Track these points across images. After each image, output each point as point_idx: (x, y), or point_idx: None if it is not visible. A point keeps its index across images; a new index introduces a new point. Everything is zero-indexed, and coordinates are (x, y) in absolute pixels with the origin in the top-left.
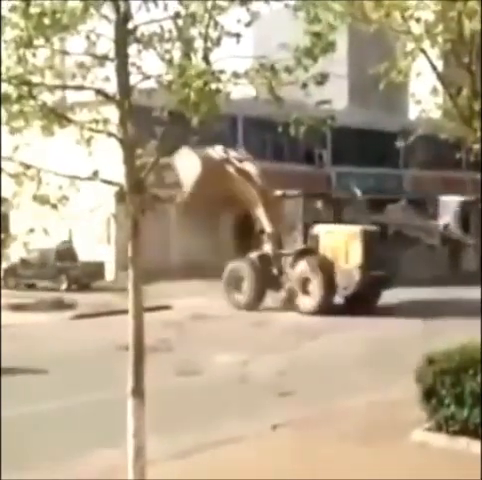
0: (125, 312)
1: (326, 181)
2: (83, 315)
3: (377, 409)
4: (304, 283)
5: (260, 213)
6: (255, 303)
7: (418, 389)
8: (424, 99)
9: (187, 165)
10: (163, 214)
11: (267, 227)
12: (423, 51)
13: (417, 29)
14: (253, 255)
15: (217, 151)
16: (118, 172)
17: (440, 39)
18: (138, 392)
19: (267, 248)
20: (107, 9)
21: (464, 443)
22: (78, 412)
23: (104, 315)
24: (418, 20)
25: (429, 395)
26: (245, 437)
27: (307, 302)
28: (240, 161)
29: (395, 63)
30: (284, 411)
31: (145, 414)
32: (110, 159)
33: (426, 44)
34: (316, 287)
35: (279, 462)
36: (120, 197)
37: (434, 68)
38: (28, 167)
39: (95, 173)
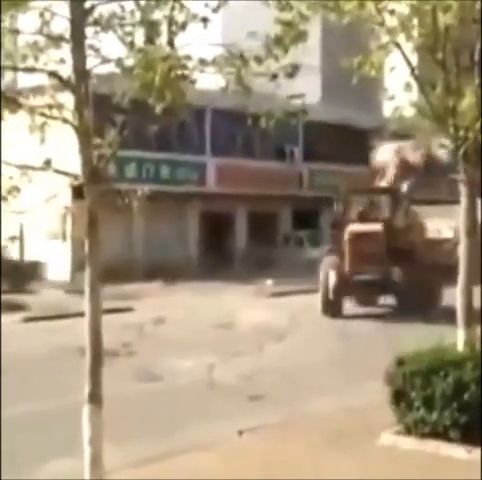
0: (82, 314)
1: (298, 178)
2: (35, 318)
3: None
4: None
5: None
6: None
7: (388, 391)
8: (397, 95)
9: None
10: (127, 211)
11: None
12: (397, 45)
13: (391, 22)
14: None
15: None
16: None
17: (415, 33)
18: (95, 398)
19: None
20: None
21: (433, 446)
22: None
23: (58, 318)
24: (392, 12)
25: (398, 397)
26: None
27: None
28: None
29: (368, 57)
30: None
31: (103, 421)
32: (69, 149)
33: (401, 38)
34: None
35: (244, 468)
36: (76, 190)
37: (408, 63)
38: None
39: (47, 162)
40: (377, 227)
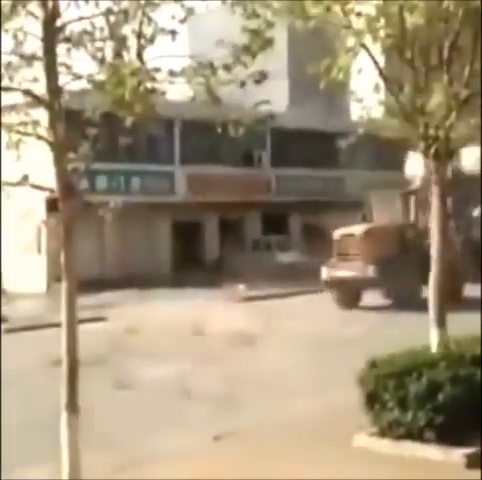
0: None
1: (266, 184)
2: (16, 329)
3: None
4: None
5: None
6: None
7: (360, 394)
8: (365, 97)
9: None
10: (98, 222)
11: None
12: (364, 47)
13: (358, 24)
14: None
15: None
16: (50, 178)
17: (382, 34)
18: (72, 406)
19: None
20: (34, 6)
21: (409, 447)
22: None
23: (38, 328)
24: (359, 14)
25: (372, 400)
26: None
27: None
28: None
29: (336, 60)
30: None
31: (79, 430)
32: (42, 165)
33: (368, 39)
34: None
35: (218, 473)
36: (51, 204)
37: (376, 64)
38: None
39: (25, 178)
40: (360, 229)
